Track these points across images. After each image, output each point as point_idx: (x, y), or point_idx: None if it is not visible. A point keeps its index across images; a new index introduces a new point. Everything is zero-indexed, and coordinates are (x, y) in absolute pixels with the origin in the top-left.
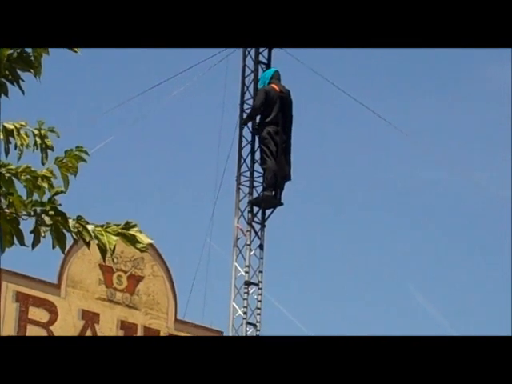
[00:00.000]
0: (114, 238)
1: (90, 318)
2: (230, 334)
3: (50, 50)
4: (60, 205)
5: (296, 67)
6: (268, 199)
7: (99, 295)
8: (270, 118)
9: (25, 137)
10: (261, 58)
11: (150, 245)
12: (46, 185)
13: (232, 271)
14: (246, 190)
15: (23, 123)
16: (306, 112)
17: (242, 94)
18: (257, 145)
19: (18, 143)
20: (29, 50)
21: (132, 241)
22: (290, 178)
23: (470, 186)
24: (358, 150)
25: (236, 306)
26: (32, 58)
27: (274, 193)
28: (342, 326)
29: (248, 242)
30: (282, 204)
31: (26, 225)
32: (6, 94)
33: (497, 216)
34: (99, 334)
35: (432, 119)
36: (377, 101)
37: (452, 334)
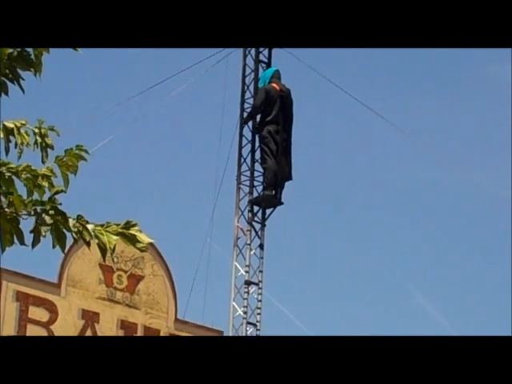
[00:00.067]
0: (114, 237)
1: (90, 317)
2: (230, 334)
3: (51, 49)
4: (60, 204)
5: (296, 66)
6: (268, 199)
7: (99, 295)
8: (271, 117)
9: (25, 135)
10: (261, 57)
11: (150, 244)
12: (46, 184)
13: (232, 271)
14: (247, 189)
15: (23, 122)
16: (306, 111)
17: (243, 93)
18: (257, 144)
19: (19, 142)
20: (29, 48)
21: (132, 240)
22: (290, 178)
23: (470, 186)
24: (358, 149)
25: (236, 305)
26: (32, 57)
27: (274, 192)
28: (342, 326)
29: (248, 242)
30: (282, 203)
31: (26, 224)
32: (7, 93)
33: (497, 216)
34: (99, 333)
35: (432, 119)
36: (377, 100)
37: (452, 334)
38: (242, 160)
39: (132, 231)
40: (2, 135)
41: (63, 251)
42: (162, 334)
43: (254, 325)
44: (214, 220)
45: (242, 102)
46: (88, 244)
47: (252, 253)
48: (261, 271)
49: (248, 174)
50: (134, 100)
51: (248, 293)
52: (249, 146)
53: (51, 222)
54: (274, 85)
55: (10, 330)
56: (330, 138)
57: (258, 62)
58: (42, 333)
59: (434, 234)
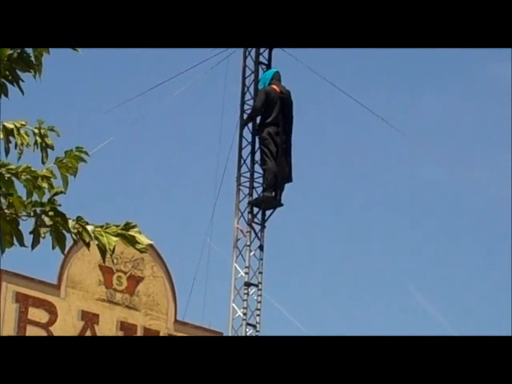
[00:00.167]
0: (114, 238)
1: (90, 318)
2: (230, 335)
3: (51, 49)
4: (60, 205)
5: (296, 68)
6: (268, 200)
7: (99, 296)
8: (271, 119)
9: (25, 136)
10: (261, 58)
11: (150, 245)
12: (45, 185)
13: (232, 272)
14: (246, 190)
15: (23, 122)
16: (306, 113)
17: (243, 94)
18: (257, 145)
19: (19, 142)
20: (29, 50)
21: (132, 241)
22: (290, 180)
23: (470, 186)
24: (357, 150)
25: (236, 306)
26: (32, 58)
27: (274, 194)
28: (342, 327)
29: (248, 243)
30: (282, 205)
31: (26, 225)
32: (6, 95)
33: (497, 216)
34: (99, 334)
35: (432, 118)
36: (377, 101)
37: (452, 334)
38: (242, 161)
39: (132, 232)
40: (1, 136)
41: (63, 252)
42: (161, 335)
43: (254, 326)
44: (213, 221)
45: (242, 103)
46: (88, 245)
47: (252, 254)
48: (260, 272)
49: (248, 175)
50: (134, 101)
51: (248, 294)
52: (249, 148)
53: (51, 223)
54: (274, 86)
55: (9, 330)
56: (329, 139)
57: (258, 63)
58: (42, 334)
59: (434, 234)
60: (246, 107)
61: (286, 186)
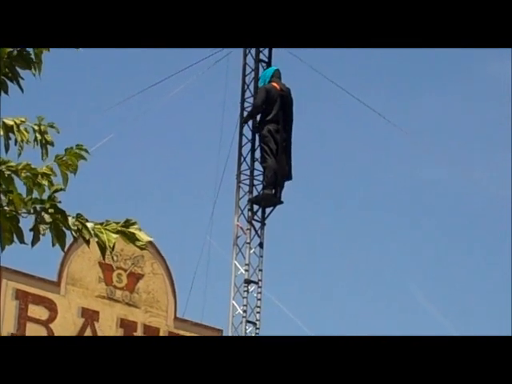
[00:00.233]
0: (114, 235)
1: (90, 315)
2: (230, 333)
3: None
4: (60, 202)
5: (296, 66)
6: (268, 197)
7: (99, 293)
8: (271, 117)
9: (25, 132)
10: (261, 56)
11: (150, 243)
12: (45, 182)
13: (232, 269)
14: (246, 188)
15: (23, 119)
16: (306, 110)
17: (243, 92)
18: (257, 143)
19: (18, 139)
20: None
21: (132, 238)
22: (290, 178)
23: (470, 185)
24: (358, 148)
25: (236, 304)
26: (32, 56)
27: (274, 191)
28: (342, 325)
29: (248, 241)
30: (282, 202)
31: (26, 222)
32: (6, 92)
33: (497, 215)
34: (99, 331)
35: (432, 118)
36: (377, 99)
37: (452, 333)
38: (242, 159)
39: (131, 229)
40: (1, 132)
41: (63, 249)
42: (161, 333)
43: (254, 323)
44: (213, 219)
45: (242, 101)
46: (87, 242)
47: (252, 251)
48: (260, 270)
49: (248, 172)
50: (135, 99)
51: (247, 291)
52: (249, 145)
53: (51, 220)
54: (275, 84)
55: (9, 328)
56: (330, 136)
57: (258, 61)
58: (42, 331)
59: (435, 233)
60: (246, 105)
61: (286, 183)
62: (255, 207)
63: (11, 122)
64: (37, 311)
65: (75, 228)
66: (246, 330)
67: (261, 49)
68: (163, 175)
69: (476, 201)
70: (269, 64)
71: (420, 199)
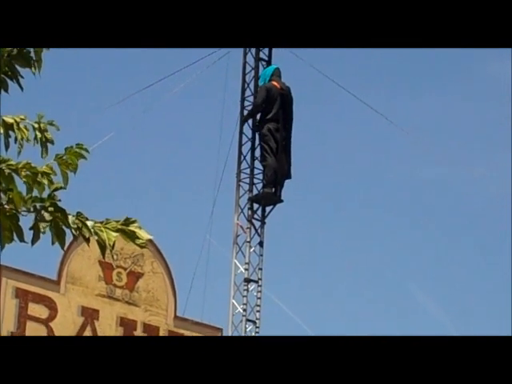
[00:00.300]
0: (114, 234)
1: (90, 314)
2: (230, 331)
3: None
4: (60, 201)
5: (296, 64)
6: (268, 196)
7: (99, 292)
8: (271, 115)
9: (24, 130)
10: (261, 55)
11: (150, 241)
12: (45, 181)
13: (232, 268)
14: (246, 186)
15: (22, 117)
16: (306, 109)
17: (243, 91)
18: (257, 142)
19: (18, 137)
20: None
21: (132, 237)
22: (289, 177)
23: (470, 184)
24: (358, 147)
25: (236, 302)
26: (32, 54)
27: (274, 190)
28: (342, 323)
29: (248, 239)
30: (281, 201)
31: (26, 221)
32: (6, 90)
33: (497, 214)
34: (99, 330)
35: (432, 117)
36: (377, 98)
37: (453, 333)
38: (242, 157)
39: (131, 228)
40: (1, 130)
41: (62, 248)
42: (161, 331)
43: (254, 322)
44: (213, 217)
45: (242, 99)
46: (87, 241)
47: (252, 250)
48: (260, 269)
49: (248, 171)
50: (135, 97)
51: (247, 290)
52: (249, 144)
53: (50, 218)
54: (275, 83)
55: (9, 326)
56: (330, 135)
57: (258, 59)
58: (42, 329)
59: (435, 232)
60: (246, 103)
61: (286, 182)
62: (255, 206)
63: (11, 120)
64: (37, 310)
65: (75, 226)
66: (245, 328)
67: (261, 48)
68: (163, 174)
69: (476, 200)
70: (269, 63)
71: (420, 198)
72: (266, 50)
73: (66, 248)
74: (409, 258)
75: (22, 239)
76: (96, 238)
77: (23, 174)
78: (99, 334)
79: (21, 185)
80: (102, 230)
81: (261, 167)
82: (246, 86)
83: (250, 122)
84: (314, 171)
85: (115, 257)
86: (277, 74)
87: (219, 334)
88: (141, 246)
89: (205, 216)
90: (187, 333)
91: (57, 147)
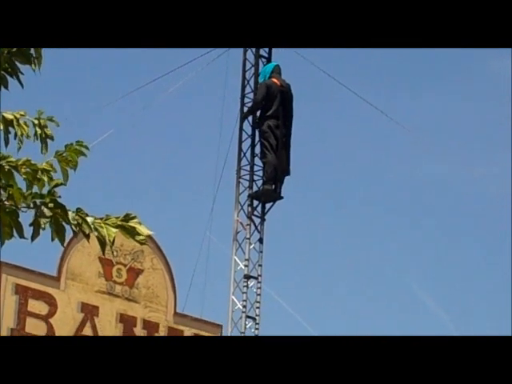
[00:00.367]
0: (114, 230)
1: (90, 310)
2: (230, 328)
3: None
4: (59, 197)
5: (297, 61)
6: (268, 193)
7: (99, 288)
8: (271, 112)
9: (24, 126)
10: (261, 52)
11: (150, 238)
12: (45, 178)
13: (231, 265)
14: (246, 183)
15: (22, 113)
16: (306, 106)
17: (243, 87)
18: (257, 138)
19: (18, 133)
20: None
21: (131, 233)
22: (288, 173)
23: (470, 183)
24: (358, 144)
25: (235, 299)
26: (32, 51)
27: (273, 187)
28: (342, 321)
29: (248, 236)
30: (281, 198)
31: (26, 217)
32: (6, 87)
33: (498, 212)
34: (98, 326)
35: (433, 115)
36: (378, 97)
37: (453, 333)
38: (242, 154)
39: (131, 223)
40: (1, 127)
41: (62, 244)
42: (161, 328)
43: (254, 319)
44: (213, 214)
45: (242, 96)
46: (87, 237)
47: (251, 247)
48: (260, 265)
49: (248, 168)
50: (134, 94)
51: (247, 287)
52: (249, 141)
53: (50, 214)
54: (275, 80)
55: (9, 323)
56: (330, 132)
57: (258, 57)
58: (42, 326)
59: (435, 231)
60: (246, 100)
61: (286, 178)
62: (255, 202)
63: (11, 116)
64: (36, 306)
65: (75, 222)
66: (245, 325)
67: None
68: (163, 170)
69: (477, 198)
70: (269, 60)
71: (421, 196)
72: (266, 48)
73: (65, 244)
74: (408, 256)
75: (21, 235)
76: (96, 234)
77: (23, 170)
78: (99, 330)
79: (21, 181)
80: (101, 226)
81: (261, 164)
82: (245, 83)
83: (250, 118)
84: (314, 168)
85: (115, 253)
86: (277, 71)
87: (219, 331)
88: (141, 243)
89: (205, 213)
90: (187, 329)
91: (56, 143)
